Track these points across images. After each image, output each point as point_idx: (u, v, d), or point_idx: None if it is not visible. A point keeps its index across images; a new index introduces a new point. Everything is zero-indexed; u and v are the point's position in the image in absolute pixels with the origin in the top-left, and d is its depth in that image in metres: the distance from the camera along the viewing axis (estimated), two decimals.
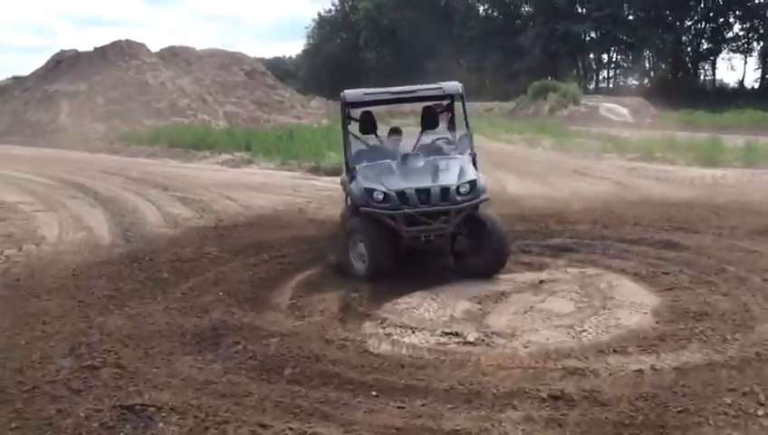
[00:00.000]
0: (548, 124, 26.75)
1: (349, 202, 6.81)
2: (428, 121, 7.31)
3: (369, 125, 7.13)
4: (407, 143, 7.29)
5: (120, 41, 28.67)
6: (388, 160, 6.61)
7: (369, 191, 6.12)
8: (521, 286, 6.01)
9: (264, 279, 6.37)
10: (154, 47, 37.92)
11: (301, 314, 5.45)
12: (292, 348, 4.69)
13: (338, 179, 14.07)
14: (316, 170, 15.22)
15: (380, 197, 6.06)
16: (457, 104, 7.37)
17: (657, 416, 3.72)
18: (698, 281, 6.05)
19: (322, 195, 11.82)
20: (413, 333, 5.01)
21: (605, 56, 60.57)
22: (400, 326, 5.13)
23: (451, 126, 7.54)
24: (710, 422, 3.64)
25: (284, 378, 4.28)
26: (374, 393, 4.06)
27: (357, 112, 7.29)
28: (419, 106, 7.60)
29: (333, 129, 25.28)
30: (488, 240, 6.13)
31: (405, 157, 6.60)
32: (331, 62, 67.00)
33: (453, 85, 7.09)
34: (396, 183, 6.13)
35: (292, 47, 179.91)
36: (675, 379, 4.17)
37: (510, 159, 17.23)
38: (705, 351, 4.60)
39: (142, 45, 29.04)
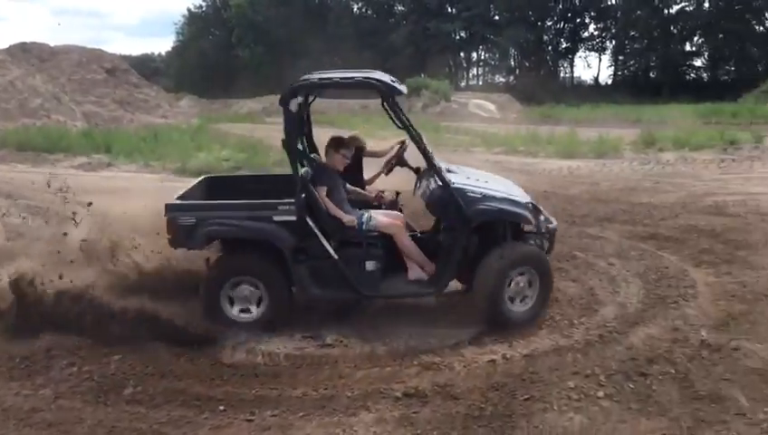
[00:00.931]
0: (421, 121, 27.24)
1: None
2: None
3: None
4: None
5: None
6: None
7: None
8: None
9: None
10: (3, 43, 35.07)
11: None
12: (136, 365, 4.36)
13: None
14: (182, 172, 14.53)
15: None
16: None
17: (506, 406, 3.78)
18: None
19: None
20: (269, 339, 4.82)
21: (474, 55, 62.88)
22: (256, 333, 4.91)
23: None
24: (554, 407, 3.75)
25: (124, 399, 3.96)
26: (222, 408, 3.85)
27: None
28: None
29: (203, 128, 24.52)
30: None
31: None
32: (204, 59, 64.79)
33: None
34: None
35: (162, 44, 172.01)
36: (524, 366, 4.28)
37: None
38: (553, 336, 4.78)
39: None
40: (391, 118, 5.13)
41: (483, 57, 63.09)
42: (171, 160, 15.52)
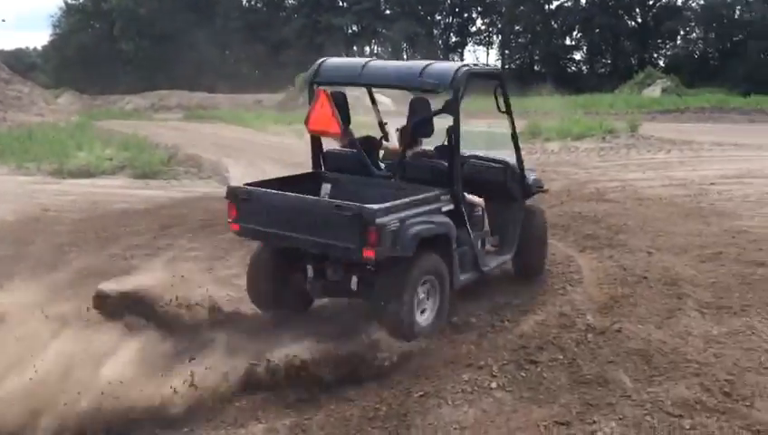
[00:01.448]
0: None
1: None
2: None
3: None
4: None
5: None
6: None
7: None
8: None
9: None
10: None
11: None
12: None
13: (88, 181, 12.83)
14: (60, 173, 13.58)
15: None
16: None
17: (400, 404, 3.72)
18: None
19: (64, 200, 10.54)
20: None
21: (367, 48, 63.13)
22: None
23: None
24: (449, 402, 3.73)
25: None
26: None
27: None
28: None
29: (85, 126, 23.07)
30: None
31: None
32: (84, 53, 61.14)
33: None
34: None
35: (37, 38, 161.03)
36: (419, 362, 4.23)
37: (276, 152, 17.02)
38: (449, 330, 4.77)
39: None
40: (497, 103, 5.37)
41: (375, 51, 63.49)
42: (48, 161, 14.47)
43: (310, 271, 4.69)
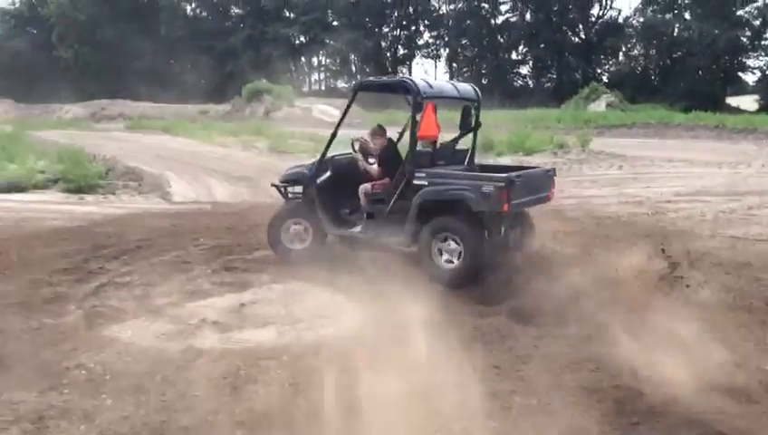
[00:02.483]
0: (263, 126, 26.43)
1: None
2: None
3: None
4: None
5: None
6: None
7: None
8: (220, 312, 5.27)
9: None
10: None
11: None
12: None
13: (17, 196, 11.95)
14: None
15: None
16: None
17: None
18: None
19: None
20: None
21: (315, 59, 62.75)
22: None
23: None
24: None
25: None
26: None
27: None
28: None
29: (19, 136, 21.84)
30: None
31: None
32: (20, 60, 58.74)
33: None
34: None
35: None
36: None
37: (223, 164, 16.40)
38: None
39: None
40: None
41: (324, 62, 63.17)
42: None
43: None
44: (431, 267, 5.96)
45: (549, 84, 54.31)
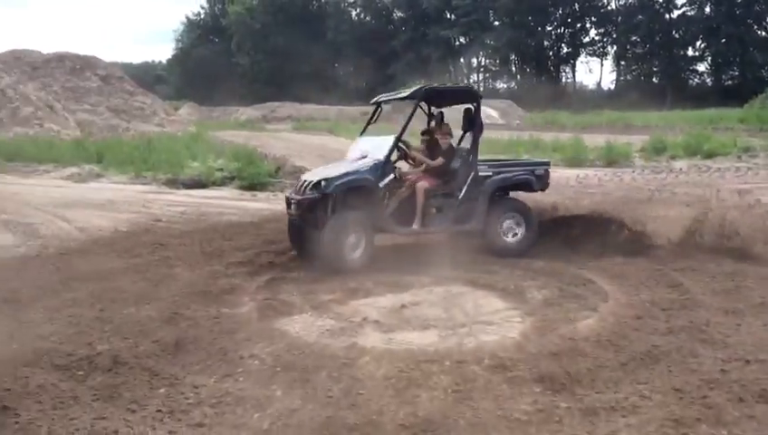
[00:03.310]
0: (421, 128, 26.67)
1: None
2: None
3: None
4: None
5: None
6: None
7: None
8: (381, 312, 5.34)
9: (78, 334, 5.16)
10: None
11: None
12: None
13: (199, 192, 13.06)
14: (173, 183, 13.98)
15: None
16: None
17: None
18: (568, 295, 5.66)
19: (174, 211, 10.69)
20: None
21: (474, 60, 62.46)
22: None
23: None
24: None
25: None
26: None
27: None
28: None
29: (200, 137, 23.92)
30: None
31: None
32: (204, 67, 64.40)
33: None
34: None
35: (162, 52, 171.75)
36: None
37: None
38: None
39: None
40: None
41: (483, 63, 62.69)
42: (163, 171, 14.94)
43: None
44: (500, 243, 7.12)
45: (730, 82, 49.83)
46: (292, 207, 6.70)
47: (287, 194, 7.24)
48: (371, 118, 7.90)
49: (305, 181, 6.77)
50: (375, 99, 7.95)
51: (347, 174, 6.62)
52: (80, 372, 4.30)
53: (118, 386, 4.04)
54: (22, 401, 3.91)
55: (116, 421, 3.67)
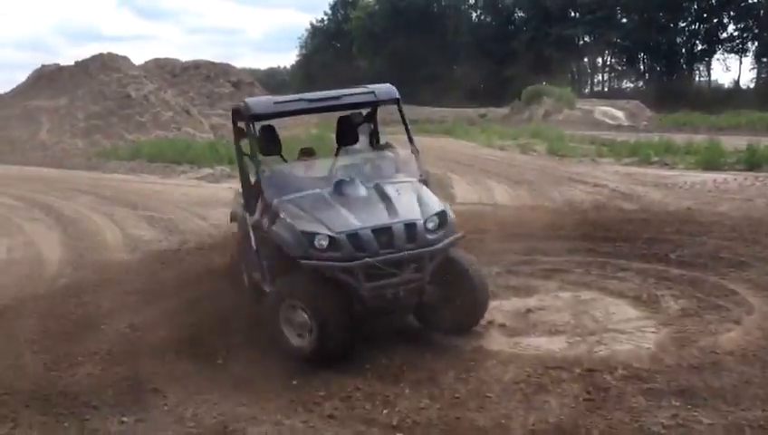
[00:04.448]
0: (542, 129, 26.07)
1: (254, 246, 5.11)
2: (345, 136, 5.79)
3: (272, 144, 5.38)
4: (323, 166, 5.52)
5: (101, 54, 27.97)
6: (318, 190, 4.93)
7: (309, 236, 4.43)
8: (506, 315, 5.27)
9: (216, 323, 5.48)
10: (139, 60, 37.42)
11: None
12: None
13: None
14: None
15: (324, 243, 4.40)
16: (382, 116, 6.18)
17: None
18: (707, 306, 5.32)
19: None
20: None
21: (599, 60, 60.09)
22: None
23: (373, 140, 6.05)
24: None
25: None
26: None
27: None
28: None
29: (323, 138, 24.70)
30: (465, 289, 4.74)
31: (339, 184, 4.93)
32: (326, 71, 66.45)
33: (386, 88, 5.45)
34: (342, 222, 4.51)
35: (287, 58, 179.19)
36: None
37: (502, 168, 16.54)
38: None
39: (125, 58, 28.37)
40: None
41: (609, 62, 60.15)
42: None
43: None
44: None
45: None
46: None
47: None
48: None
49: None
50: None
51: None
52: (219, 361, 4.59)
53: (254, 377, 4.27)
54: (170, 385, 4.22)
55: (253, 408, 3.89)
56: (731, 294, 5.58)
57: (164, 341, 4.97)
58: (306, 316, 4.36)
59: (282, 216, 4.67)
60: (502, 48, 57.22)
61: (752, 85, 52.05)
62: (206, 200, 12.58)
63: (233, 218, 6.29)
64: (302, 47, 76.34)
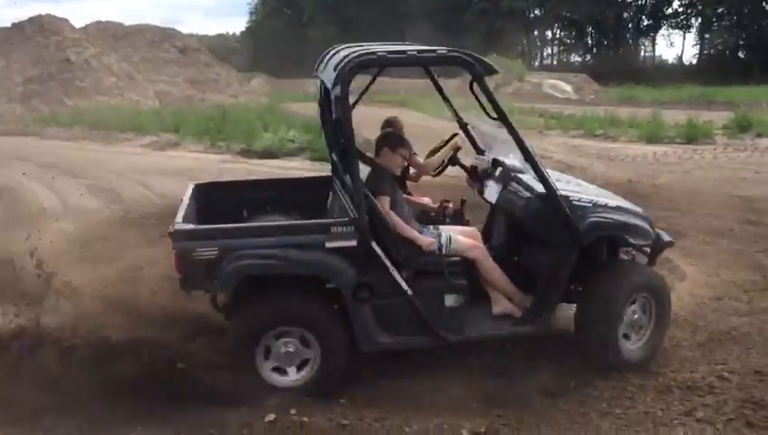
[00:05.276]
0: None
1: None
2: None
3: None
4: None
5: (39, 16, 26.69)
6: None
7: None
8: None
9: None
10: (80, 23, 36.02)
11: None
12: None
13: (271, 162, 13.30)
14: (246, 153, 14.32)
15: None
16: None
17: None
18: None
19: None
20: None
21: (549, 33, 60.68)
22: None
23: None
24: None
25: None
26: None
27: None
28: None
29: (273, 108, 24.32)
30: None
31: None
32: (276, 39, 65.10)
33: None
34: None
35: (237, 24, 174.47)
36: None
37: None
38: None
39: (64, 21, 27.15)
40: (480, 104, 4.12)
41: (558, 35, 60.81)
42: (237, 141, 15.32)
43: None
44: None
45: None
46: None
47: None
48: None
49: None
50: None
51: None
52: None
53: None
54: None
55: None
56: (666, 261, 5.79)
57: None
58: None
59: None
60: (454, 19, 57.12)
61: (694, 61, 53.56)
62: (150, 169, 12.29)
63: None
64: (252, 14, 74.56)
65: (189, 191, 4.54)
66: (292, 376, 3.71)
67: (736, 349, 4.13)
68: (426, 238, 3.87)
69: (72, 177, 11.37)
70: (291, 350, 3.68)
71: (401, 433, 3.36)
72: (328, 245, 3.57)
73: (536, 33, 60.39)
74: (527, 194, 4.11)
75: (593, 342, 3.88)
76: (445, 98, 5.12)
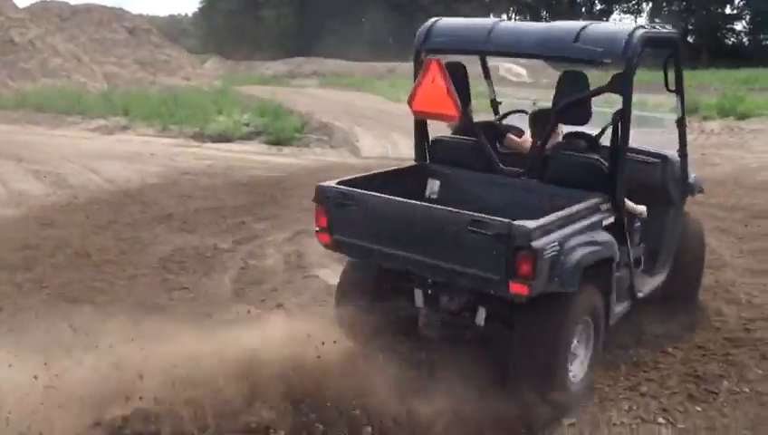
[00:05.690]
0: None
1: None
2: None
3: None
4: None
5: None
6: None
7: None
8: None
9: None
10: (22, 2, 34.74)
11: None
12: None
13: (225, 146, 13.11)
14: (200, 137, 14.03)
15: None
16: None
17: None
18: None
19: (202, 164, 10.78)
20: None
21: (504, 16, 61.09)
22: None
23: None
24: None
25: None
26: None
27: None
28: None
29: (226, 91, 23.92)
30: None
31: None
32: (230, 20, 63.85)
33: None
34: None
35: (189, 4, 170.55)
36: None
37: (409, 122, 16.61)
38: None
39: (7, 0, 26.07)
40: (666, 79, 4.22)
41: (513, 19, 61.30)
42: (190, 124, 15.00)
43: (419, 297, 3.62)
44: None
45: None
46: None
47: None
48: None
49: None
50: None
51: None
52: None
53: None
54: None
55: None
56: None
57: None
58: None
59: None
60: (410, 2, 56.96)
61: None
62: (99, 153, 11.95)
63: None
64: None
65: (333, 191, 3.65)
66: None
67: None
68: (640, 206, 3.91)
69: (16, 161, 10.97)
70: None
71: None
72: (605, 223, 3.46)
73: (491, 16, 60.78)
74: (653, 160, 4.31)
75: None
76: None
